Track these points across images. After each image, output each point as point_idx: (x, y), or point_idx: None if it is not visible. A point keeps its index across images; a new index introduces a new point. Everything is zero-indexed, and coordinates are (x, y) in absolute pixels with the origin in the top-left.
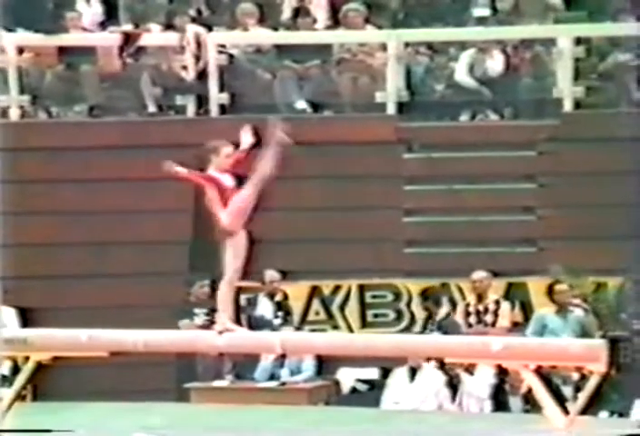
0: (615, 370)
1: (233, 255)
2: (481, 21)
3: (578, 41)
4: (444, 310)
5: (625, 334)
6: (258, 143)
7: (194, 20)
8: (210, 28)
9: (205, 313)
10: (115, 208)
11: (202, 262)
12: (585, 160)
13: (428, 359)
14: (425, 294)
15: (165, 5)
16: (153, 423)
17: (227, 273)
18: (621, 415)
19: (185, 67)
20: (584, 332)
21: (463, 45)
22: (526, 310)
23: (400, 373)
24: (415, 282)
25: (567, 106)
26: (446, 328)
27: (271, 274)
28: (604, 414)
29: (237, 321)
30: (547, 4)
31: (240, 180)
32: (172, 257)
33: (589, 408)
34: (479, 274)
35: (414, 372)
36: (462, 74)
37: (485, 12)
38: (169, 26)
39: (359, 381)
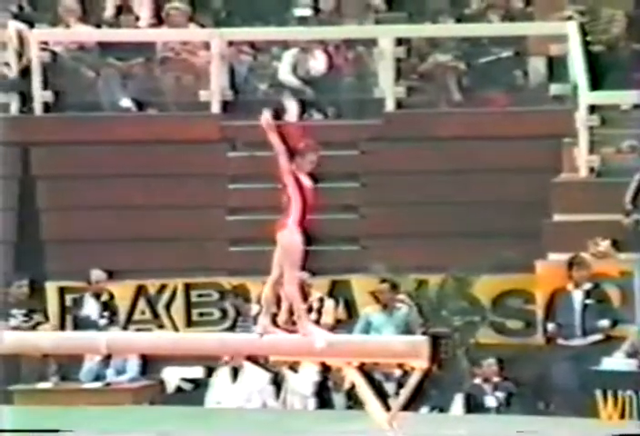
0: (436, 366)
1: (284, 256)
2: (303, 21)
3: (399, 42)
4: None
5: (446, 331)
6: None
7: (15, 16)
8: (32, 25)
9: (24, 314)
10: None
11: (26, 262)
12: (407, 159)
13: (248, 358)
14: (236, 291)
15: None
16: None
17: (273, 274)
18: (441, 410)
19: (7, 64)
20: (407, 329)
21: (285, 45)
22: (350, 307)
23: (222, 374)
24: (239, 281)
25: (389, 106)
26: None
27: (97, 274)
28: (424, 410)
29: (62, 322)
30: (369, 4)
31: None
32: None
33: (411, 404)
34: (301, 273)
35: (236, 372)
36: (285, 74)
37: (307, 12)
38: None
39: (184, 380)
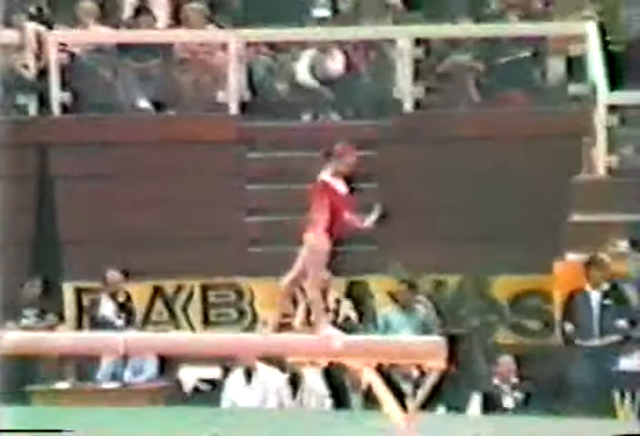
0: (454, 366)
1: (309, 258)
2: (321, 21)
3: (417, 42)
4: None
5: (464, 331)
6: None
7: (33, 18)
8: (50, 26)
9: (36, 315)
10: None
11: (42, 262)
12: (425, 159)
13: (261, 358)
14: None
15: (4, 2)
16: None
17: (291, 274)
18: (458, 411)
19: (25, 66)
20: (425, 330)
21: (304, 45)
22: (368, 308)
23: (236, 376)
24: (257, 282)
25: (407, 106)
26: None
27: (112, 275)
28: (442, 410)
29: (79, 323)
30: (387, 5)
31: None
32: (13, 256)
33: (428, 404)
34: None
35: (249, 374)
36: (303, 75)
37: (325, 12)
38: (7, 24)
39: (201, 380)
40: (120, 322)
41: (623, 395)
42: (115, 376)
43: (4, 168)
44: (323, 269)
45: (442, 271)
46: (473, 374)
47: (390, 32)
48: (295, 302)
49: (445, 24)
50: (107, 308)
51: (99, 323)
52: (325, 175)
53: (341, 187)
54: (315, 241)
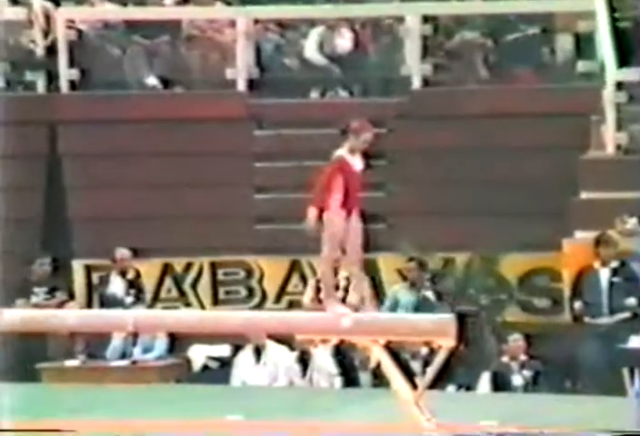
0: (463, 344)
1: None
2: None
3: (426, 19)
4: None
5: (473, 309)
6: None
7: None
8: (58, 3)
9: (46, 292)
10: None
11: (52, 240)
12: (434, 137)
13: (270, 336)
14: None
15: None
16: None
17: (325, 253)
18: (468, 388)
19: (33, 42)
20: (434, 308)
21: (312, 23)
22: (377, 286)
23: (246, 354)
24: (266, 260)
25: (416, 84)
26: None
27: (121, 252)
28: (451, 388)
29: (89, 300)
30: None
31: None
32: (23, 235)
33: (437, 382)
34: None
35: (259, 352)
36: (312, 51)
37: None
38: (15, 1)
39: (211, 358)
40: (129, 300)
41: (632, 373)
42: (124, 354)
43: (13, 146)
44: (336, 246)
45: (451, 249)
46: (482, 352)
47: (398, 9)
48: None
49: (453, 0)
50: (116, 285)
51: (108, 301)
52: (342, 151)
53: (357, 163)
54: (330, 218)
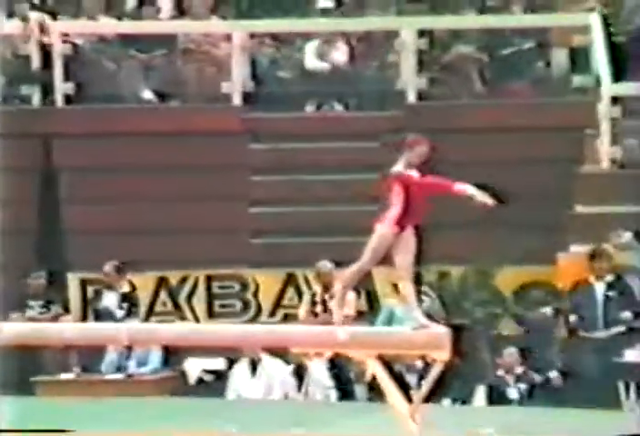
0: (457, 358)
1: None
2: (325, 12)
3: (421, 33)
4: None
5: (468, 322)
6: None
7: (37, 7)
8: (54, 16)
9: (41, 306)
10: None
11: (46, 253)
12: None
13: (265, 349)
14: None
15: None
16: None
17: (361, 264)
18: (463, 402)
19: (28, 56)
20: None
21: (307, 37)
22: (372, 299)
23: (241, 367)
24: (261, 273)
25: (411, 98)
26: None
27: (111, 266)
28: (446, 402)
29: (84, 314)
30: None
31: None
32: (18, 248)
33: (432, 395)
34: (324, 264)
35: (254, 365)
36: (312, 61)
37: (329, 3)
38: (11, 14)
39: (206, 371)
40: (121, 313)
41: (627, 386)
42: (119, 367)
43: (8, 159)
44: (375, 261)
45: (446, 262)
46: (477, 366)
47: (394, 23)
48: None
49: (448, 15)
50: (109, 299)
51: (102, 315)
52: (399, 167)
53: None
54: (379, 231)
